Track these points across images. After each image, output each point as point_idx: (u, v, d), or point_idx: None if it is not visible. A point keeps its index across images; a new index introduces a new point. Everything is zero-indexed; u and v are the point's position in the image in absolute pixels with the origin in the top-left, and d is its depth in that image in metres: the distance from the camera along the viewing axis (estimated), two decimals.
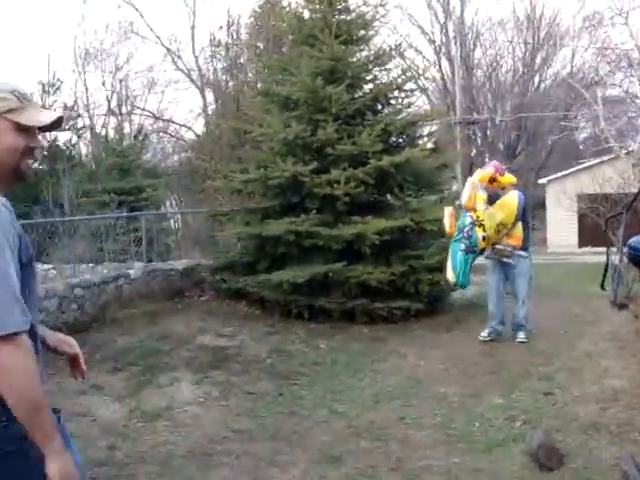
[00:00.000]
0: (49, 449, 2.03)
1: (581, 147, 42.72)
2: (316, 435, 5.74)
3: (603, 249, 10.59)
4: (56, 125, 2.31)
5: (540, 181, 33.34)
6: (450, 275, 8.49)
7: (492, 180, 8.70)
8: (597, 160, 25.24)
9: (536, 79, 40.63)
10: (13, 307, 1.97)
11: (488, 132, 40.07)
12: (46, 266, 12.03)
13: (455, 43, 31.12)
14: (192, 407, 6.49)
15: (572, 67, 39.08)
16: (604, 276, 9.11)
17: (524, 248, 9.00)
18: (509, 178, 9.04)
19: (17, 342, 1.96)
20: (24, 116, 2.21)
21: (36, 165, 23.38)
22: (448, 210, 8.82)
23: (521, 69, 40.24)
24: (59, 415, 2.24)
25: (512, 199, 8.75)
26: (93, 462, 4.98)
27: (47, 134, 23.46)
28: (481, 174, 8.96)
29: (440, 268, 10.18)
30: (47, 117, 2.26)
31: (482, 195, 8.60)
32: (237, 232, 11.31)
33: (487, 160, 37.95)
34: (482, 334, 8.95)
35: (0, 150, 2.18)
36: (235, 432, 5.85)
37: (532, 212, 39.71)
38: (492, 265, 9.16)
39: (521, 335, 8.88)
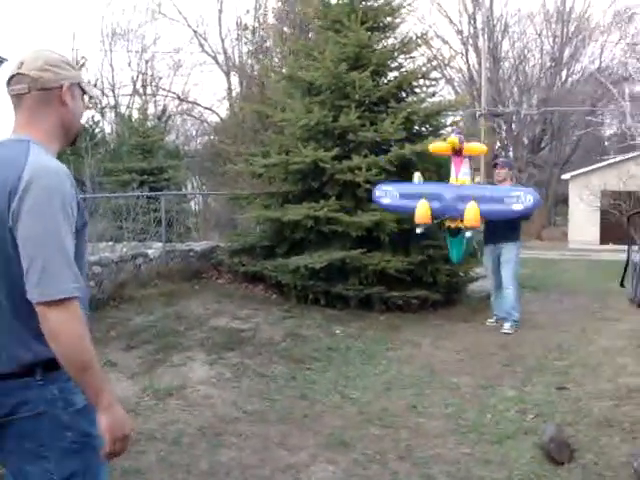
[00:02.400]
0: (99, 404, 2.13)
1: (606, 143, 42.46)
2: (327, 420, 5.74)
3: (624, 247, 10.53)
4: None
5: (563, 176, 33.13)
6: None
7: (457, 151, 8.59)
8: (622, 157, 25.00)
9: (563, 73, 40.29)
10: (66, 274, 2.08)
11: (513, 125, 39.80)
12: None
13: (483, 34, 30.78)
14: (204, 387, 6.51)
15: (600, 62, 38.76)
16: (624, 273, 9.06)
17: (514, 238, 9.01)
18: (476, 147, 8.98)
19: (67, 307, 2.05)
20: (88, 86, 2.51)
21: None
22: (418, 176, 9.04)
23: (548, 63, 39.89)
24: None
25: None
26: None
27: None
28: (435, 145, 8.98)
29: None
30: (95, 90, 2.50)
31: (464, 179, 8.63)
32: (256, 216, 11.30)
33: (511, 153, 37.84)
34: (489, 320, 9.33)
35: (77, 115, 2.42)
36: (246, 413, 5.86)
37: (554, 207, 39.64)
38: (486, 254, 9.33)
39: (506, 325, 8.90)
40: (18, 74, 2.31)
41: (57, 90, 2.33)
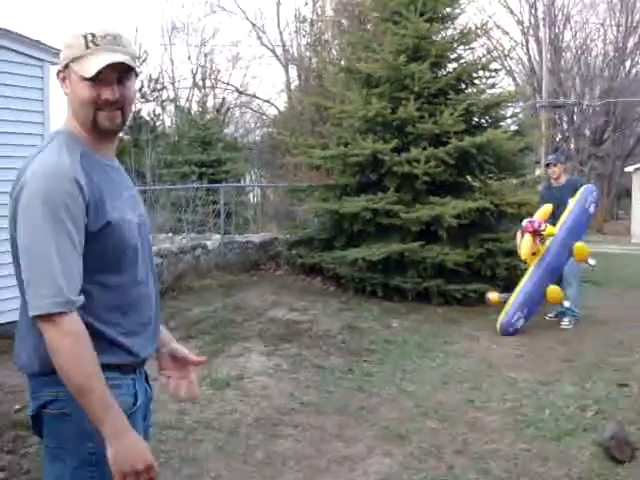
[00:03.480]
0: (103, 434, 1.95)
1: None
2: (383, 412, 5.73)
3: None
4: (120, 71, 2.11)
5: (627, 169, 32.42)
6: None
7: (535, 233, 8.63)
8: None
9: (627, 64, 39.33)
10: (47, 288, 1.92)
11: (574, 117, 39.06)
12: None
13: (544, 24, 30.31)
14: (261, 378, 6.56)
15: None
16: None
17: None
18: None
19: (56, 323, 1.91)
20: (82, 65, 2.08)
21: (121, 135, 23.92)
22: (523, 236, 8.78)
23: (612, 53, 39.03)
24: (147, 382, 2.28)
25: None
26: (163, 426, 5.08)
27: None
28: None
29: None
30: (96, 65, 2.05)
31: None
32: (315, 208, 11.33)
33: (572, 145, 37.18)
34: (548, 314, 9.23)
35: (78, 101, 2.12)
36: (303, 404, 5.88)
37: (617, 201, 38.86)
38: None
39: (565, 321, 8.77)
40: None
41: (63, 71, 2.14)
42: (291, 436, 5.18)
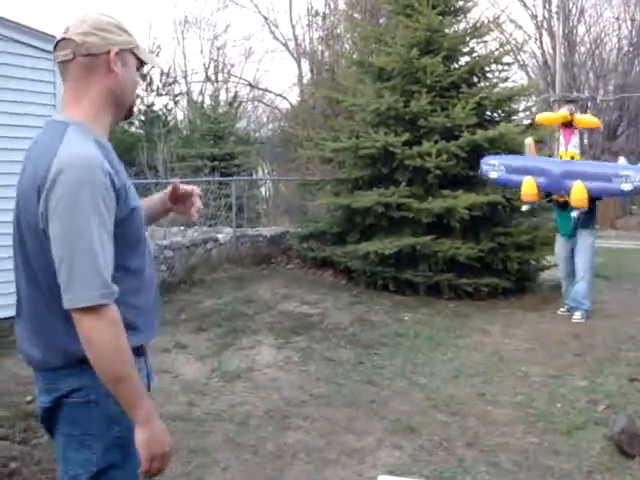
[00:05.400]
0: (135, 419, 2.01)
1: None
2: (393, 405, 5.73)
3: None
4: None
5: None
6: None
7: (567, 123, 8.62)
8: None
9: None
10: (92, 280, 1.92)
11: (588, 111, 38.84)
12: None
13: (558, 18, 30.11)
14: (272, 370, 6.57)
15: None
16: None
17: (589, 225, 8.85)
18: (589, 120, 8.89)
19: (99, 314, 1.92)
20: (145, 55, 2.25)
21: (134, 129, 23.99)
22: (529, 143, 9.01)
23: (626, 47, 38.81)
24: (145, 359, 2.25)
25: None
26: (172, 417, 5.10)
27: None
28: (543, 115, 8.99)
29: (530, 247, 10.04)
30: (157, 59, 2.32)
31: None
32: (327, 202, 11.31)
33: (586, 140, 36.99)
34: (560, 309, 9.17)
35: (128, 85, 2.21)
36: (313, 397, 5.89)
37: (629, 197, 38.67)
38: (559, 242, 9.10)
39: (577, 315, 8.72)
40: (64, 39, 2.11)
41: (104, 56, 2.12)
42: (301, 428, 5.20)
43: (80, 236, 1.92)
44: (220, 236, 11.20)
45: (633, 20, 38.02)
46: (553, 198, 8.91)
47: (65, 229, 1.93)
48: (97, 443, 2.08)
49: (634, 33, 38.21)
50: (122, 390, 1.97)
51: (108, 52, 2.12)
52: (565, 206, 8.66)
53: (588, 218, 8.82)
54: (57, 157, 1.96)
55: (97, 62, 2.12)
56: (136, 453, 2.04)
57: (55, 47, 2.14)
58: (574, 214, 8.43)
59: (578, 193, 8.21)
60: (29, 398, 5.32)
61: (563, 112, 8.76)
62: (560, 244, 9.08)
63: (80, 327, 1.93)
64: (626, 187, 8.11)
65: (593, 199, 8.50)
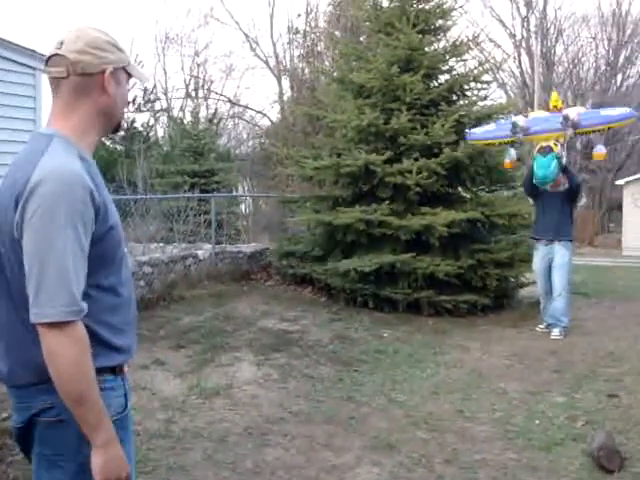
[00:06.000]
0: (93, 442, 1.97)
1: None
2: (373, 422, 5.71)
3: None
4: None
5: (618, 182, 32.52)
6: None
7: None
8: None
9: (618, 77, 39.56)
10: (60, 295, 1.89)
11: None
12: None
13: (536, 38, 30.47)
14: (251, 387, 6.54)
15: None
16: None
17: (566, 233, 9.00)
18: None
19: (64, 331, 1.89)
20: (137, 72, 2.27)
21: (114, 145, 23.94)
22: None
23: (603, 67, 39.26)
24: (123, 379, 2.20)
25: None
26: (150, 434, 5.06)
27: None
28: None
29: (509, 264, 10.08)
30: (147, 75, 2.33)
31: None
32: (307, 219, 11.30)
33: (564, 159, 37.25)
34: (539, 326, 9.25)
35: (120, 102, 2.22)
36: (292, 414, 5.86)
37: (608, 213, 38.98)
38: (537, 257, 9.17)
39: (555, 331, 8.78)
40: (57, 55, 2.09)
41: (99, 76, 2.12)
42: (280, 445, 5.17)
43: (52, 250, 1.89)
44: (200, 252, 11.17)
45: (610, 40, 38.52)
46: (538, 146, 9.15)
47: (38, 241, 1.90)
48: (68, 464, 2.04)
49: (611, 52, 38.68)
50: (82, 411, 1.93)
51: (102, 72, 2.12)
52: (547, 152, 8.80)
53: (566, 223, 8.91)
54: (38, 168, 1.94)
55: (91, 82, 2.12)
56: None
57: (47, 61, 2.12)
58: (557, 150, 8.81)
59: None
60: (4, 415, 5.26)
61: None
62: (538, 257, 9.11)
63: (44, 342, 1.90)
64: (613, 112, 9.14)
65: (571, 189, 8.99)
